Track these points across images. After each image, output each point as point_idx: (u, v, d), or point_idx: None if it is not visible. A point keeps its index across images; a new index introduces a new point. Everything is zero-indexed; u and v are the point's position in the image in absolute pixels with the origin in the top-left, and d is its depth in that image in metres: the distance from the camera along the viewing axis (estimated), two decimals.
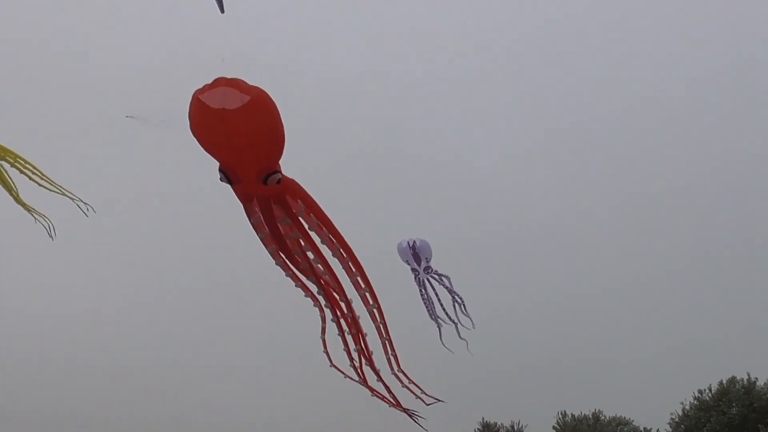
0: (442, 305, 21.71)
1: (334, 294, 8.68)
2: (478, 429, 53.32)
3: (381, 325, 9.29)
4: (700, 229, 73.93)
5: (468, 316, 22.05)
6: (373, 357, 9.61)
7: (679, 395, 45.71)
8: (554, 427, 50.90)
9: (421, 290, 21.46)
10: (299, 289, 8.84)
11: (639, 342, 67.79)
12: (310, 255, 8.18)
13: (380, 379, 9.71)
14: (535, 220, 75.49)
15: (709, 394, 44.10)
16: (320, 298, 8.88)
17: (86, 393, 66.28)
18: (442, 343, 21.78)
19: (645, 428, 48.63)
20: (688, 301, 70.93)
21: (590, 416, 50.44)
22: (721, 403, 42.56)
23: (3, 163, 13.26)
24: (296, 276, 8.57)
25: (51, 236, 14.31)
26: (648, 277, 74.35)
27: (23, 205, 13.84)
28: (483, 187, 76.81)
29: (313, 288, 8.74)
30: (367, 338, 9.28)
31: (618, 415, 50.22)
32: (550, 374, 63.27)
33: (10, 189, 13.54)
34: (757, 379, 43.08)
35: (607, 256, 77.51)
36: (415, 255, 21.04)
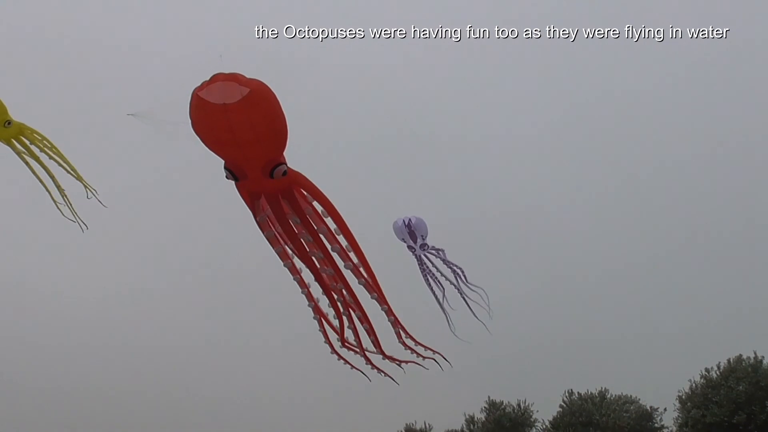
0: (447, 278, 21.88)
1: (337, 302, 8.84)
2: (484, 407, 53.46)
3: (392, 323, 9.34)
4: (708, 209, 73.89)
5: (469, 285, 22.18)
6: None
7: (687, 373, 45.78)
8: (561, 406, 51.02)
9: (421, 268, 21.62)
10: (304, 296, 8.93)
11: (646, 320, 67.91)
12: (319, 255, 8.16)
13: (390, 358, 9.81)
14: (544, 202, 75.55)
15: (717, 372, 44.17)
16: (321, 305, 9.09)
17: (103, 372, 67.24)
18: (449, 323, 21.85)
19: (651, 406, 48.67)
20: (695, 280, 70.84)
21: (596, 395, 50.51)
22: (728, 380, 42.55)
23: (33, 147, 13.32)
24: (303, 282, 8.65)
25: (81, 225, 14.23)
26: (656, 255, 74.35)
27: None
28: (492, 170, 76.99)
29: (319, 290, 8.81)
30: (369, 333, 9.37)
31: (624, 394, 50.25)
32: (557, 353, 63.46)
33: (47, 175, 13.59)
34: (763, 357, 43.24)
35: (614, 236, 77.50)
36: (411, 233, 21.13)
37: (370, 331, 9.40)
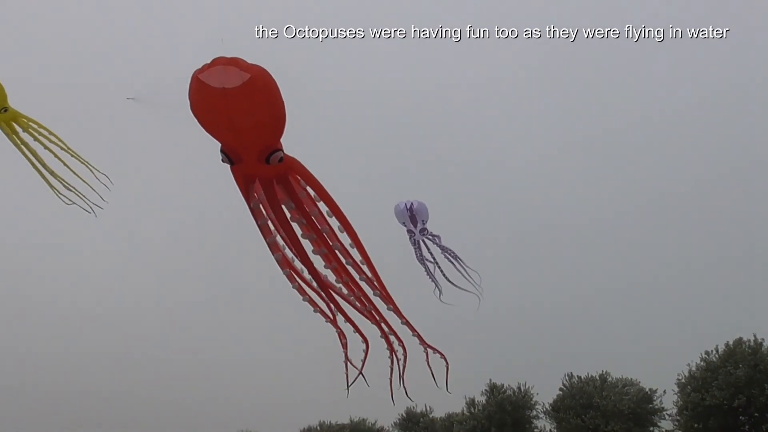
0: (440, 262, 21.92)
1: (332, 293, 8.74)
2: (485, 390, 53.68)
3: (391, 310, 9.28)
4: (708, 204, 74.47)
5: (465, 266, 22.19)
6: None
7: (686, 356, 45.90)
8: (561, 389, 51.27)
9: (416, 251, 21.61)
10: (296, 290, 8.85)
11: (646, 303, 68.07)
12: (312, 237, 8.05)
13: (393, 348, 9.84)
14: (544, 186, 75.77)
15: (716, 355, 44.20)
16: (320, 301, 8.98)
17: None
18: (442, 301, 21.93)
19: (651, 389, 48.82)
20: (695, 263, 70.95)
21: (597, 377, 50.73)
22: (727, 364, 42.59)
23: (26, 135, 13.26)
24: (293, 276, 8.55)
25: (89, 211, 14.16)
26: (656, 239, 74.49)
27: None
28: (486, 155, 77.24)
29: (313, 283, 8.71)
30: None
31: (624, 376, 50.45)
32: (557, 336, 63.70)
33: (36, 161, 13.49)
34: (763, 340, 43.09)
35: (613, 220, 77.62)
36: (412, 217, 21.08)
37: (372, 316, 9.35)
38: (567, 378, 51.47)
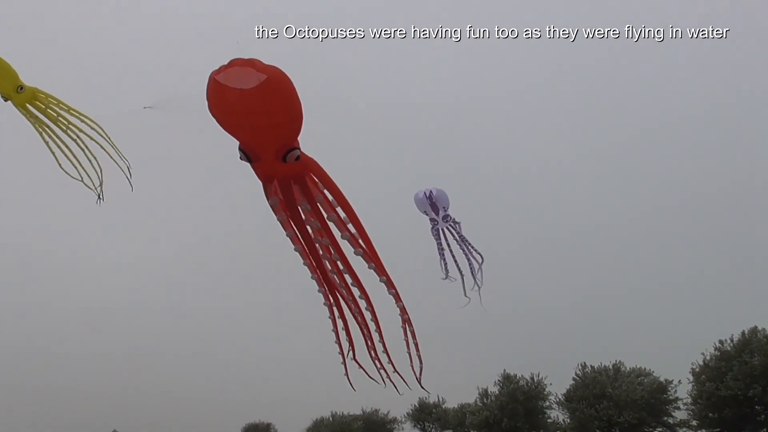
0: (465, 252, 21.64)
1: (343, 291, 8.77)
2: (498, 381, 53.64)
3: (401, 315, 9.29)
4: (717, 196, 74.37)
5: (480, 254, 21.93)
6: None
7: (699, 346, 45.57)
8: (574, 378, 51.10)
9: (438, 241, 21.32)
10: (314, 281, 8.89)
11: (659, 293, 67.71)
12: (326, 242, 8.16)
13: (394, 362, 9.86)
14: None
15: (731, 344, 43.79)
16: (331, 295, 8.94)
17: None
18: (466, 294, 21.69)
19: (666, 379, 48.52)
20: (709, 252, 70.53)
21: (610, 367, 50.52)
22: (742, 353, 42.22)
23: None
24: (313, 266, 8.54)
25: (99, 196, 13.98)
26: (669, 229, 74.11)
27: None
28: (491, 148, 77.42)
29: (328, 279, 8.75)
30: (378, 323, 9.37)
31: (638, 366, 50.19)
32: (570, 327, 63.53)
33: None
34: None
35: (624, 210, 77.37)
36: (433, 205, 20.79)
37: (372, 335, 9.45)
38: (580, 368, 51.33)
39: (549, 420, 52.98)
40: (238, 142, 7.13)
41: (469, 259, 21.87)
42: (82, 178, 13.58)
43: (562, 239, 72.90)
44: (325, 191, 7.82)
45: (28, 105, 12.68)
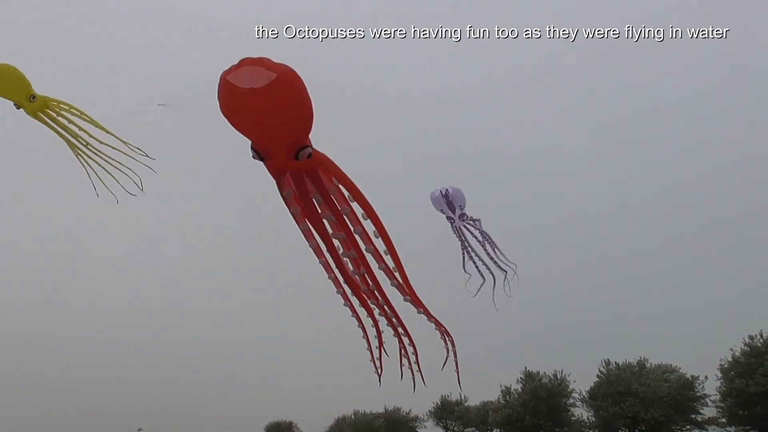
0: (486, 252, 21.24)
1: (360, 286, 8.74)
2: (520, 378, 53.14)
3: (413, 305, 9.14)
4: (734, 196, 73.53)
5: (505, 259, 21.49)
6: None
7: (727, 342, 44.62)
8: (598, 376, 50.44)
9: (460, 239, 20.97)
10: (331, 281, 8.78)
11: (685, 287, 66.77)
12: (341, 237, 8.15)
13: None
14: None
15: (761, 340, 42.80)
16: (351, 294, 8.93)
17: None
18: (493, 295, 21.30)
19: (692, 375, 47.61)
20: (735, 246, 69.50)
21: (635, 364, 49.78)
22: None
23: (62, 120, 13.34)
24: (328, 265, 8.53)
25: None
26: (696, 224, 73.14)
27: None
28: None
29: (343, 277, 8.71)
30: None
31: (664, 363, 49.37)
32: (593, 323, 62.79)
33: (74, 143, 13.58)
34: None
35: (647, 207, 76.61)
36: (449, 203, 20.45)
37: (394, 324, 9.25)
38: (604, 365, 50.63)
39: (573, 418, 52.37)
40: (249, 141, 7.14)
41: (491, 256, 21.50)
42: (91, 180, 13.90)
43: (584, 233, 72.18)
44: (340, 186, 7.79)
45: (39, 113, 13.13)
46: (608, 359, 50.79)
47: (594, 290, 66.00)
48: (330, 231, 8.07)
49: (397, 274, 8.62)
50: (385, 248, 8.41)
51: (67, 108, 13.37)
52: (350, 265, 8.43)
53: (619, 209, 75.33)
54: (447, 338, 10.42)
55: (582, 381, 51.80)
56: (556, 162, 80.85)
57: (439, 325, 9.94)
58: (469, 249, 20.76)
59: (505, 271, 21.59)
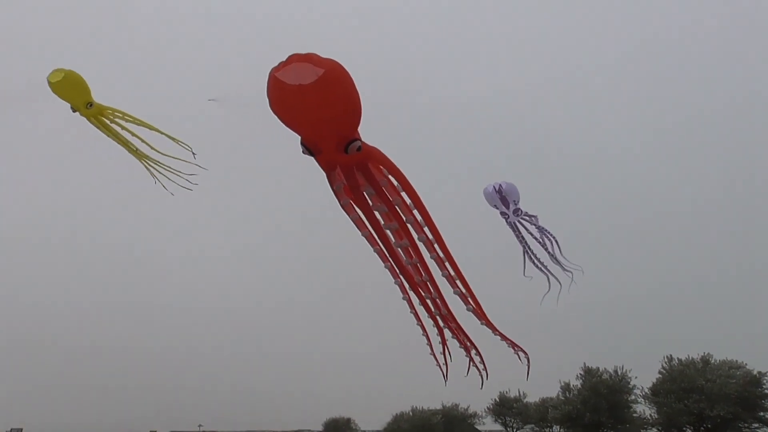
0: (544, 247, 21.16)
1: (413, 272, 8.82)
2: (580, 374, 52.43)
3: (469, 299, 9.23)
4: None
5: (563, 255, 21.38)
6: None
7: None
8: (660, 372, 49.36)
9: (516, 235, 20.93)
10: (387, 270, 9.02)
11: (750, 282, 64.82)
12: (394, 227, 8.32)
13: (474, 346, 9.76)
14: (642, 172, 73.72)
15: None
16: (405, 281, 9.00)
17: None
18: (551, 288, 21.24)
19: (760, 372, 46.15)
20: None
21: (698, 360, 48.54)
22: None
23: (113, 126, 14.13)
24: (383, 253, 8.67)
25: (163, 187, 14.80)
26: (757, 213, 70.99)
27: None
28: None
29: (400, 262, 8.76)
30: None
31: (729, 359, 48.02)
32: (655, 318, 61.53)
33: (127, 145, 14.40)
34: None
35: (711, 198, 74.46)
36: (503, 199, 20.42)
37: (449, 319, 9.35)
38: (666, 361, 49.54)
39: (634, 414, 51.33)
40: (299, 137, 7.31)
41: (551, 254, 21.36)
42: (155, 179, 14.58)
43: (644, 226, 70.69)
44: (390, 177, 7.96)
45: (93, 118, 13.94)
46: (671, 355, 49.71)
47: (653, 284, 64.64)
48: (382, 222, 8.26)
49: (448, 266, 8.66)
50: (433, 238, 8.50)
51: (120, 115, 14.16)
52: (403, 255, 8.60)
53: (682, 202, 73.43)
54: (516, 348, 10.44)
55: (643, 377, 50.80)
56: (616, 154, 79.33)
57: (506, 339, 9.94)
58: (528, 247, 20.71)
59: (570, 272, 21.45)
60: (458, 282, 8.88)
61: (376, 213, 8.13)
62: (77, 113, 14.04)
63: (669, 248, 68.28)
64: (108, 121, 14.23)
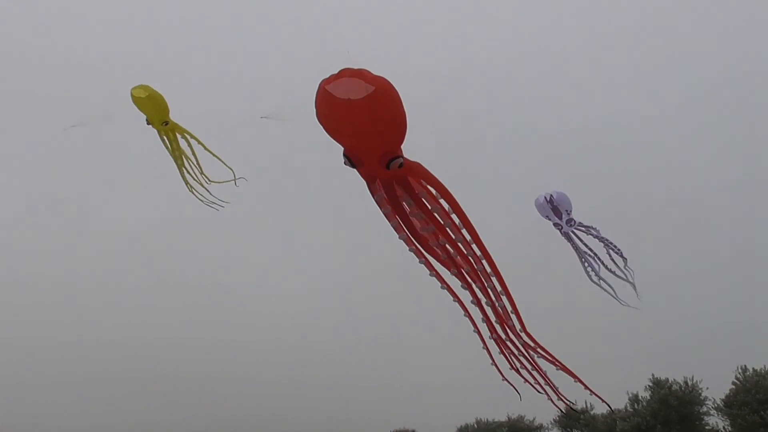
0: (599, 260, 20.90)
1: (467, 276, 8.83)
2: (648, 385, 51.30)
3: (512, 314, 9.31)
4: None
5: (627, 266, 21.05)
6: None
7: None
8: (734, 383, 47.86)
9: (572, 245, 20.70)
10: (434, 278, 9.07)
11: None
12: (431, 229, 8.46)
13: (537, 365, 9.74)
14: (702, 176, 71.70)
15: None
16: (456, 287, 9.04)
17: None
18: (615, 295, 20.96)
19: None
20: None
21: None
22: None
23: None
24: (430, 263, 8.82)
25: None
26: None
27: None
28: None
29: (446, 272, 8.94)
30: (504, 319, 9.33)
31: None
32: (727, 327, 59.57)
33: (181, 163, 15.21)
34: None
35: None
36: (554, 209, 20.22)
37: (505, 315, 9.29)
38: (740, 371, 48.05)
39: (707, 427, 49.89)
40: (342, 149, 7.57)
41: (613, 260, 21.05)
42: (199, 196, 15.42)
43: (714, 231, 68.58)
44: (430, 188, 8.13)
45: (163, 134, 14.84)
46: (745, 365, 48.18)
47: (724, 291, 62.65)
48: (419, 227, 8.44)
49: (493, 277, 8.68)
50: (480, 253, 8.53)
51: (189, 137, 15.02)
52: (464, 265, 8.70)
53: (747, 207, 70.95)
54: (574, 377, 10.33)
55: (715, 388, 49.30)
56: (679, 160, 77.19)
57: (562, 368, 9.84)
58: (585, 259, 20.39)
59: (633, 284, 21.06)
60: (503, 297, 8.92)
61: (414, 219, 8.35)
62: (150, 126, 14.89)
63: (739, 253, 66.07)
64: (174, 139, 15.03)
